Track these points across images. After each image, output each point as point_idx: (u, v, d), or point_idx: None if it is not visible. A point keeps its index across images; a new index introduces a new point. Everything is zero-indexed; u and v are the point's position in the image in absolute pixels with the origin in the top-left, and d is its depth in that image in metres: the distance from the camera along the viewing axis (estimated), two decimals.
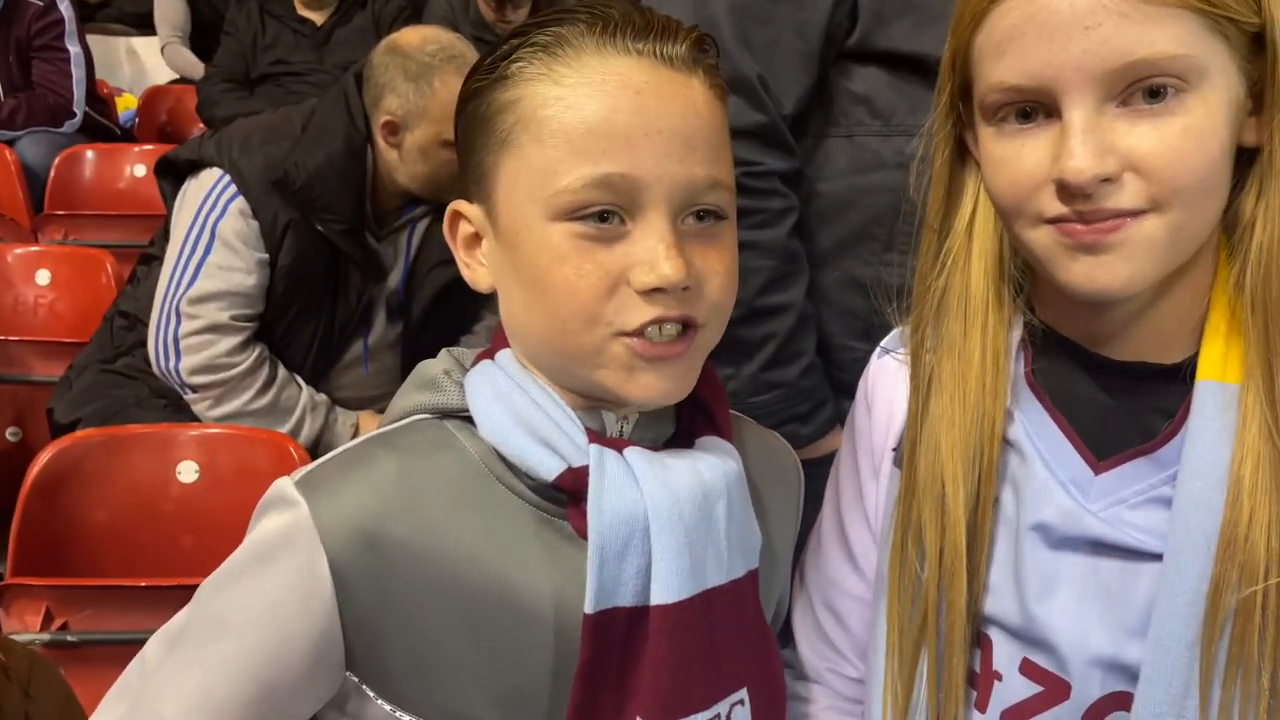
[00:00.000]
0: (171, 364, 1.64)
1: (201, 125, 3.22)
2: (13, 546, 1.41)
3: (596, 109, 0.61)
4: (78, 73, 3.10)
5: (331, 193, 1.62)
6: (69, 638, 1.27)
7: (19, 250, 2.29)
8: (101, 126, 3.25)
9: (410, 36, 1.69)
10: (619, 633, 0.63)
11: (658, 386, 0.64)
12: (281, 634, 0.63)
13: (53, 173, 2.85)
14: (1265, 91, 0.62)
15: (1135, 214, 0.60)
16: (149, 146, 3.05)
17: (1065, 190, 0.60)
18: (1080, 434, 0.68)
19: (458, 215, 0.69)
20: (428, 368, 0.71)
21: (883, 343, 0.82)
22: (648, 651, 0.63)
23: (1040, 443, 0.69)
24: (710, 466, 0.66)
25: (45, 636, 1.27)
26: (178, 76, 3.91)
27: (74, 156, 2.92)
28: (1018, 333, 0.71)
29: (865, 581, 0.80)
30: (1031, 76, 0.61)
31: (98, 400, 1.69)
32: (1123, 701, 0.65)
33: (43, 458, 1.47)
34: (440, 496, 0.65)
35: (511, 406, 0.66)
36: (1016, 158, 0.63)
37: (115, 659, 1.28)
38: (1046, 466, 0.68)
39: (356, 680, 0.65)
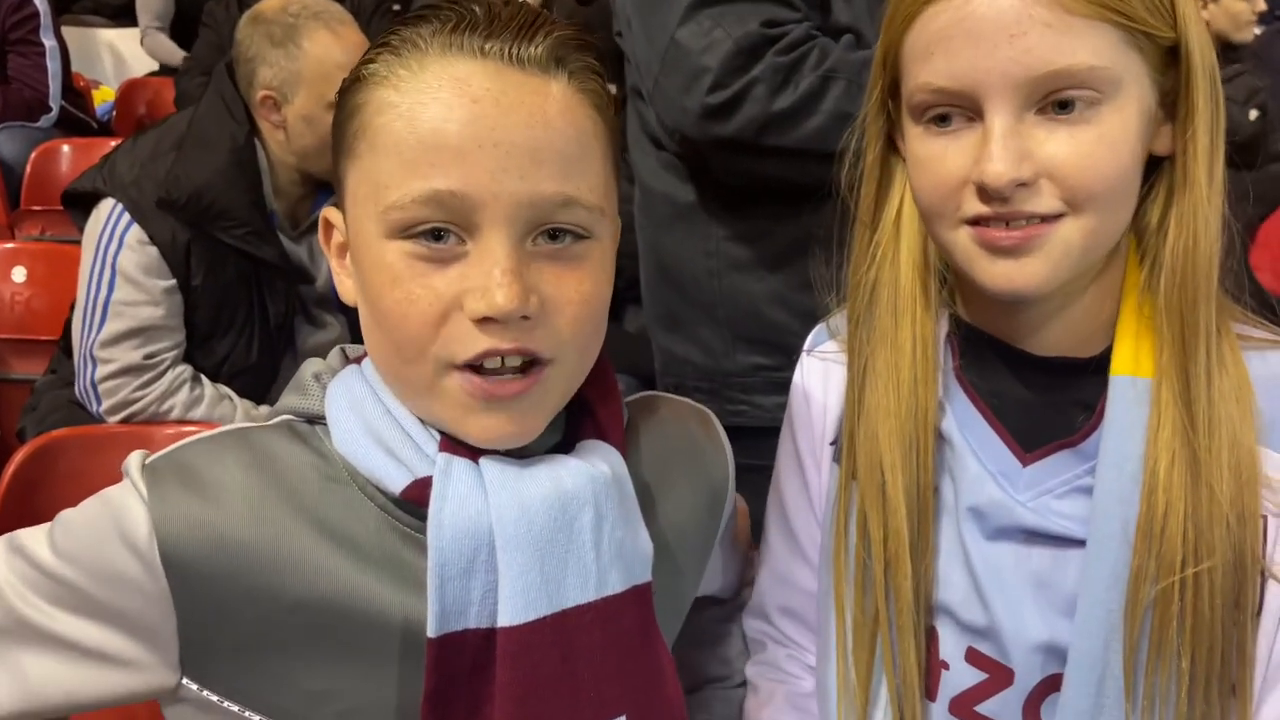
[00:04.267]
0: (95, 409, 1.61)
1: None
2: None
3: (429, 118, 0.56)
4: (53, 66, 3.07)
5: (223, 197, 1.55)
6: None
7: None
8: (78, 120, 3.23)
9: (271, 3, 1.61)
10: (467, 658, 0.58)
11: (497, 428, 0.59)
12: (110, 612, 0.59)
13: (29, 168, 2.83)
14: (1179, 103, 0.65)
15: (1050, 218, 0.63)
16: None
17: (984, 192, 0.63)
18: (1007, 427, 0.71)
19: (329, 223, 0.66)
20: (305, 368, 0.67)
21: (806, 343, 0.84)
22: (496, 678, 0.58)
23: (970, 435, 0.71)
24: (576, 473, 0.61)
25: None
26: (156, 68, 3.88)
27: (50, 151, 2.89)
28: (944, 328, 0.73)
29: (816, 575, 0.81)
30: (956, 80, 0.63)
31: (61, 410, 1.67)
32: (1060, 684, 0.67)
33: (18, 457, 1.47)
34: (291, 502, 0.61)
35: (363, 415, 0.62)
36: (940, 158, 0.65)
37: None
38: (977, 458, 0.70)
39: (196, 688, 0.61)
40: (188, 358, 1.64)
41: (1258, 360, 0.67)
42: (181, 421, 1.61)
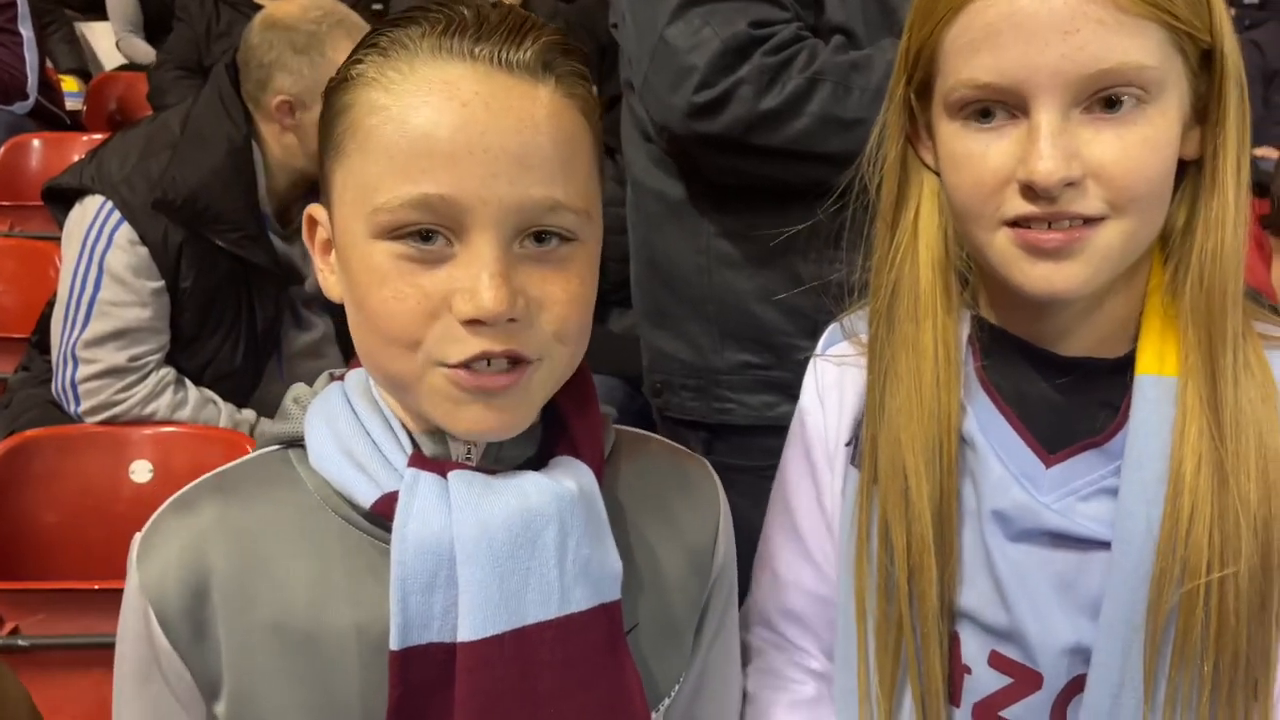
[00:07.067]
0: (73, 409, 1.58)
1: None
2: None
3: (419, 122, 0.56)
4: (30, 57, 3.02)
5: (219, 201, 1.54)
6: (20, 642, 1.25)
7: None
8: (51, 114, 3.18)
9: (287, 8, 1.60)
10: (431, 672, 0.59)
11: (486, 420, 0.59)
12: (157, 695, 0.63)
13: None
14: (1209, 107, 0.64)
15: (1093, 220, 0.62)
16: (98, 136, 2.97)
17: (1030, 191, 0.62)
18: (1030, 428, 0.70)
19: (313, 220, 0.66)
20: (288, 394, 0.69)
21: (819, 345, 0.83)
22: (456, 692, 0.59)
23: (992, 437, 0.70)
24: (541, 489, 0.61)
25: None
26: (125, 62, 3.84)
27: (20, 146, 2.85)
28: (966, 328, 0.73)
29: (823, 578, 0.81)
30: (1005, 76, 0.61)
31: (36, 408, 1.64)
32: (1085, 685, 0.66)
33: None
34: (266, 535, 0.63)
35: (336, 430, 0.63)
36: (981, 156, 0.64)
37: (68, 663, 1.27)
38: (1000, 460, 0.69)
39: None
40: (170, 360, 1.61)
41: (1278, 360, 0.67)
42: (161, 422, 1.59)
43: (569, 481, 0.62)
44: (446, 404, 0.59)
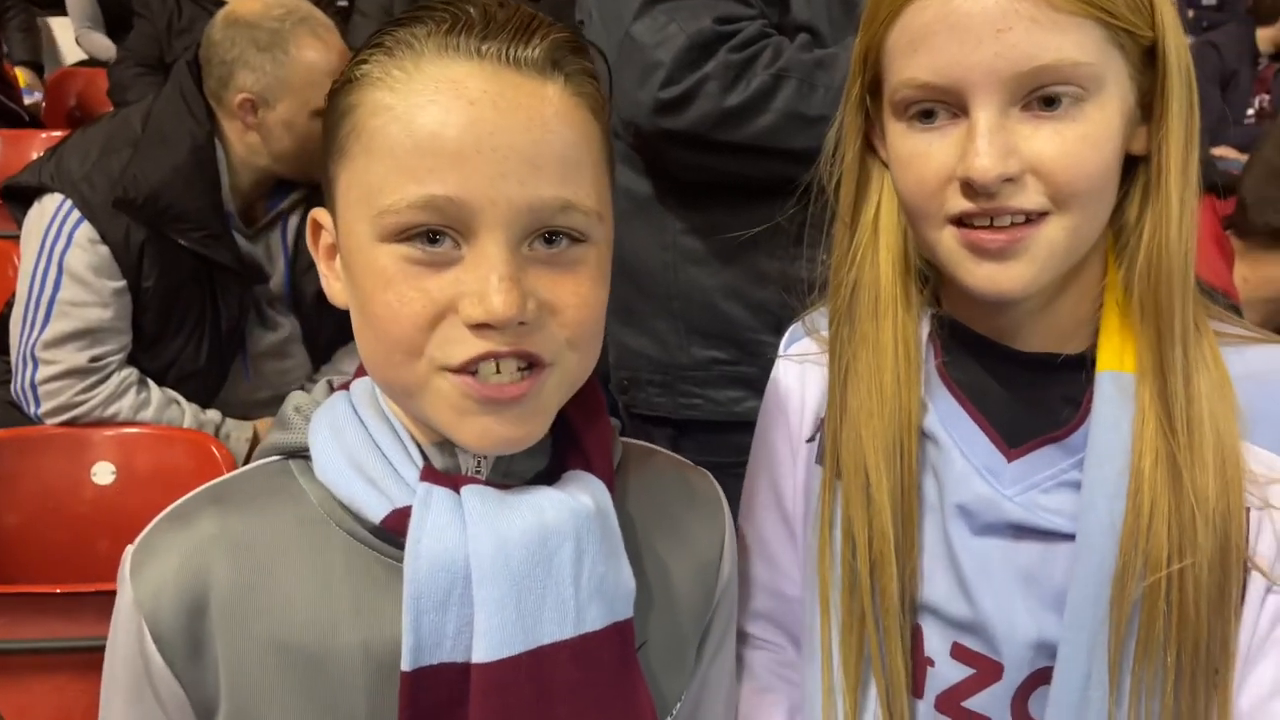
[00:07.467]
0: (32, 410, 1.55)
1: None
2: None
3: (425, 122, 0.55)
4: None
5: (181, 200, 1.52)
6: None
7: None
8: (9, 111, 3.13)
9: (250, 5, 1.58)
10: (443, 693, 0.57)
11: (494, 432, 0.58)
12: (148, 715, 0.61)
13: None
14: (1155, 103, 0.65)
15: (1034, 217, 0.63)
16: (57, 133, 2.93)
17: (969, 188, 0.63)
18: (992, 422, 0.71)
19: (318, 224, 0.64)
20: (288, 402, 0.67)
21: (781, 345, 0.83)
22: (470, 714, 0.57)
23: (954, 432, 0.71)
24: (557, 505, 0.59)
25: None
26: (86, 58, 3.78)
27: None
28: (926, 325, 0.73)
29: (783, 576, 0.82)
30: (942, 75, 0.62)
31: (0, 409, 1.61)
32: (1048, 677, 0.67)
33: None
34: (267, 549, 0.61)
35: (344, 442, 0.62)
36: (925, 155, 0.65)
37: (30, 668, 1.25)
38: (963, 455, 0.70)
39: None
40: (132, 360, 1.59)
41: (1235, 357, 0.68)
42: (124, 423, 1.56)
43: (584, 497, 0.61)
44: (451, 413, 0.58)
